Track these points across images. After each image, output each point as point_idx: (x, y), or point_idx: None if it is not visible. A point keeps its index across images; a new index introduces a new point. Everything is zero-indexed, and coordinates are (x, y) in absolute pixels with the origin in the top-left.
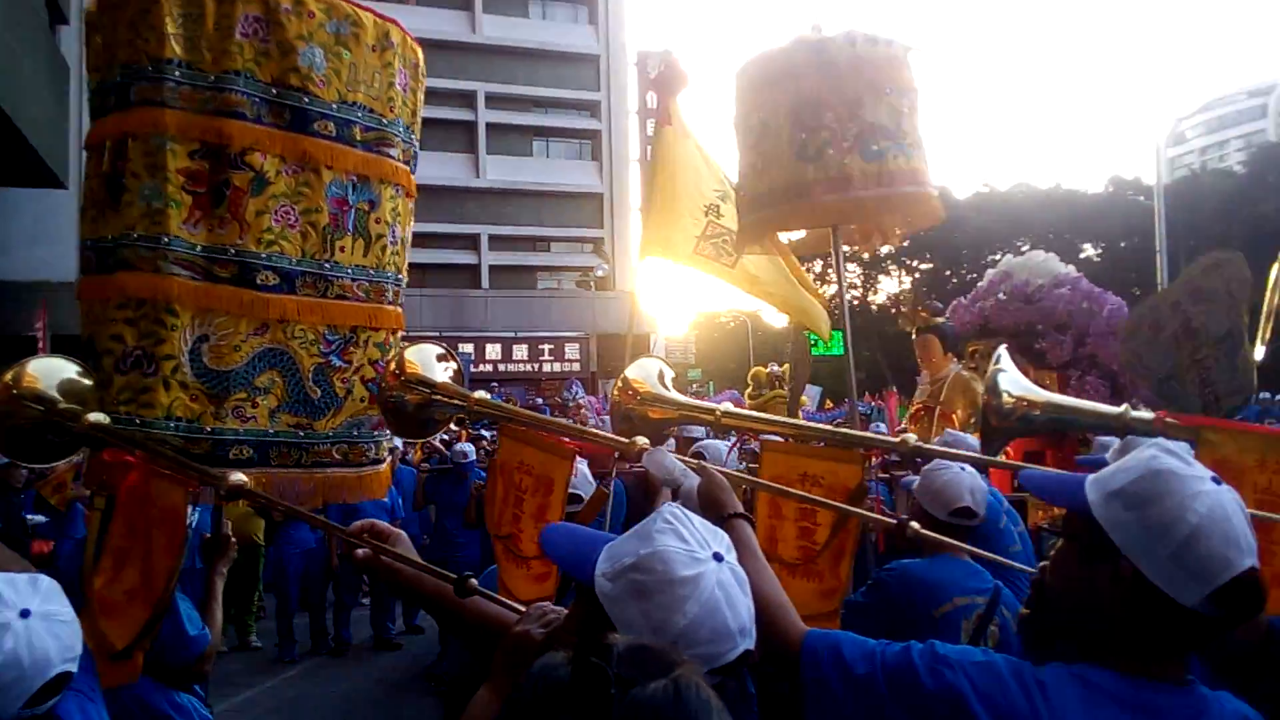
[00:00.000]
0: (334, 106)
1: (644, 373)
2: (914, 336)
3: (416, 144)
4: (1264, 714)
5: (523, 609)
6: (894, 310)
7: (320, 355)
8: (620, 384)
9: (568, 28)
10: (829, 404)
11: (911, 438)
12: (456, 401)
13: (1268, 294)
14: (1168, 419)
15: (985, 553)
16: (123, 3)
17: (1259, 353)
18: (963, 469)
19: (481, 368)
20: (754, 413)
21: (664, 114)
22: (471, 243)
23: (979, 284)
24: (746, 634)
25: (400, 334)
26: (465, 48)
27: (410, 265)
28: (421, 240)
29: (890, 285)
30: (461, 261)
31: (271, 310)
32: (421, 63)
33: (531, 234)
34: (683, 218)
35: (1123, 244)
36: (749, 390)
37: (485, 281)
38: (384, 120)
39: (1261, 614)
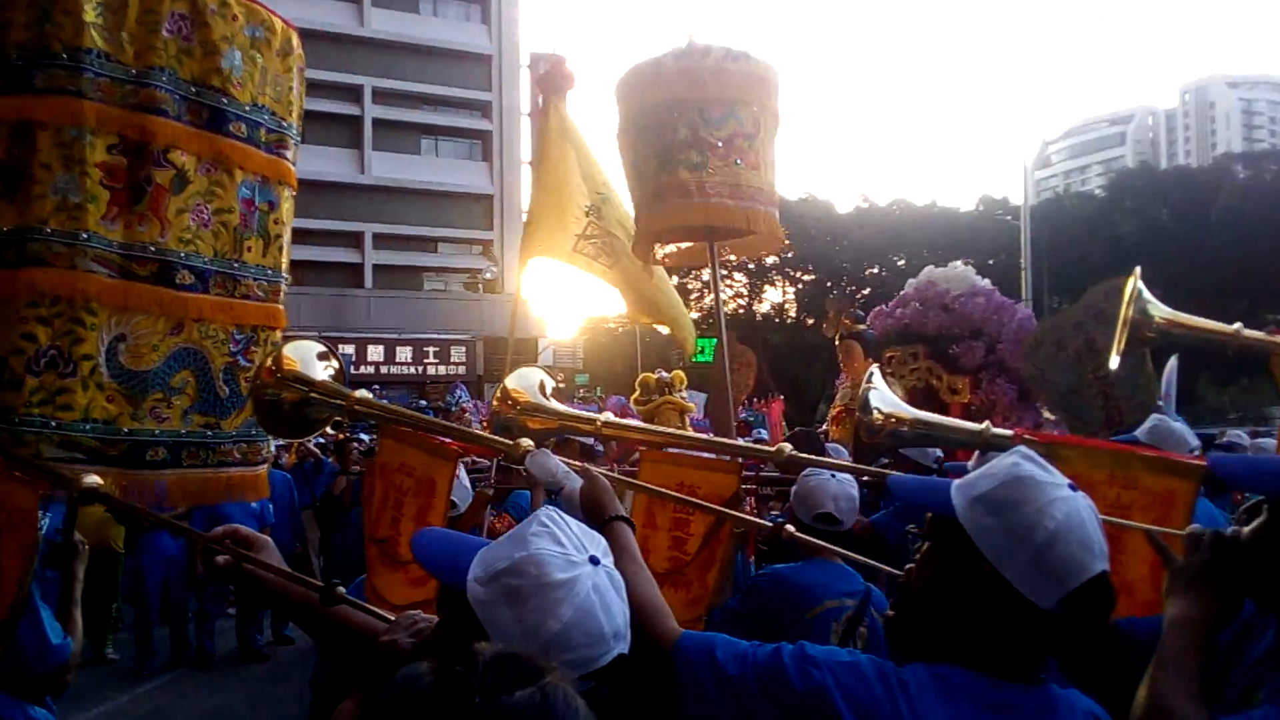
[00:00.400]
0: (246, 108)
1: (524, 382)
2: (837, 343)
3: (299, 139)
4: (1109, 711)
5: (391, 617)
6: (777, 319)
7: (229, 355)
8: (499, 394)
9: (460, 25)
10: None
11: (787, 447)
12: (336, 401)
13: (1123, 307)
14: (1025, 435)
15: (857, 555)
16: None
17: (1114, 362)
18: (832, 476)
19: (363, 370)
20: (634, 422)
21: (547, 113)
22: (355, 240)
23: (903, 291)
24: (621, 638)
25: (280, 332)
26: (352, 41)
27: (292, 262)
28: (301, 236)
29: (774, 295)
30: (344, 260)
31: (190, 309)
32: (303, 60)
33: (418, 234)
34: (564, 216)
35: (991, 261)
36: (636, 396)
37: (369, 281)
38: (284, 123)
39: (1110, 617)
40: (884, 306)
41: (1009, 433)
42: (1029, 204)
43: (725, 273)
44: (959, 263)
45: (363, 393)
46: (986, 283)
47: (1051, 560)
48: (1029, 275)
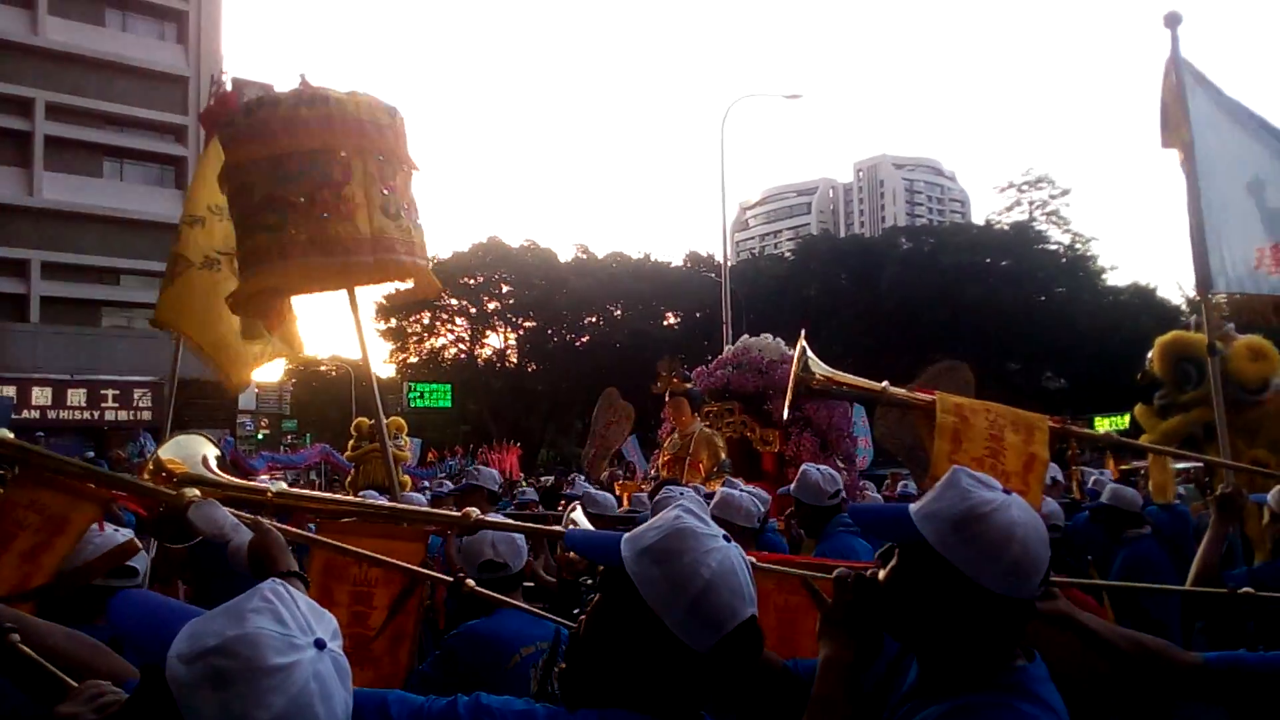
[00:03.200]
0: None
1: (182, 452)
2: (666, 399)
3: None
4: None
5: (75, 683)
6: (499, 364)
7: None
8: (151, 464)
9: (151, 43)
10: (432, 455)
11: (474, 512)
12: None
13: (794, 366)
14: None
15: (526, 606)
16: None
17: (785, 412)
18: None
19: (27, 414)
20: (310, 493)
21: (208, 150)
22: (19, 269)
23: (721, 354)
24: None
25: None
26: (23, 50)
27: None
28: None
29: (496, 341)
30: (4, 290)
31: None
32: None
33: (97, 264)
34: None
35: (698, 314)
36: (351, 443)
37: (35, 314)
38: None
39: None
40: (705, 367)
41: (903, 390)
42: (729, 263)
43: (447, 317)
44: (768, 336)
45: (279, 486)
46: (791, 351)
47: (706, 607)
48: (729, 329)
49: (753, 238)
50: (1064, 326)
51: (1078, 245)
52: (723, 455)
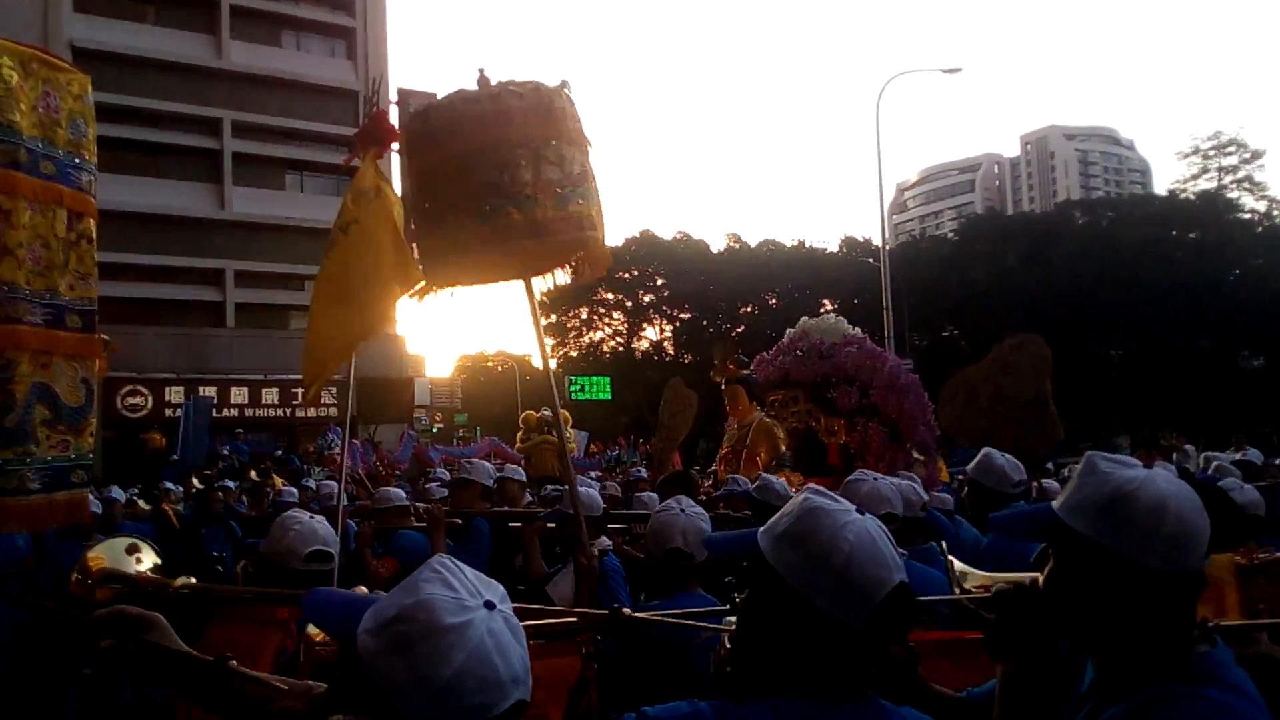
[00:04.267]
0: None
1: (110, 551)
2: (723, 387)
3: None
4: None
5: (284, 687)
6: (656, 357)
7: None
8: (78, 566)
9: (324, 60)
10: (595, 447)
11: (626, 611)
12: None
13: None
14: None
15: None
16: None
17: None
18: (681, 511)
19: (226, 413)
20: (219, 586)
21: (364, 169)
22: (216, 278)
23: (780, 341)
24: (519, 684)
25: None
26: (210, 73)
27: (144, 301)
28: (158, 275)
29: (653, 333)
30: (204, 298)
31: None
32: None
33: (284, 271)
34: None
35: (855, 300)
36: (520, 435)
37: (230, 320)
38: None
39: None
40: (766, 354)
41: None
42: (888, 247)
43: (604, 311)
44: (831, 315)
45: (183, 579)
46: (857, 331)
47: (852, 580)
48: (890, 314)
49: (911, 219)
50: (1261, 301)
51: (1276, 213)
52: (783, 447)
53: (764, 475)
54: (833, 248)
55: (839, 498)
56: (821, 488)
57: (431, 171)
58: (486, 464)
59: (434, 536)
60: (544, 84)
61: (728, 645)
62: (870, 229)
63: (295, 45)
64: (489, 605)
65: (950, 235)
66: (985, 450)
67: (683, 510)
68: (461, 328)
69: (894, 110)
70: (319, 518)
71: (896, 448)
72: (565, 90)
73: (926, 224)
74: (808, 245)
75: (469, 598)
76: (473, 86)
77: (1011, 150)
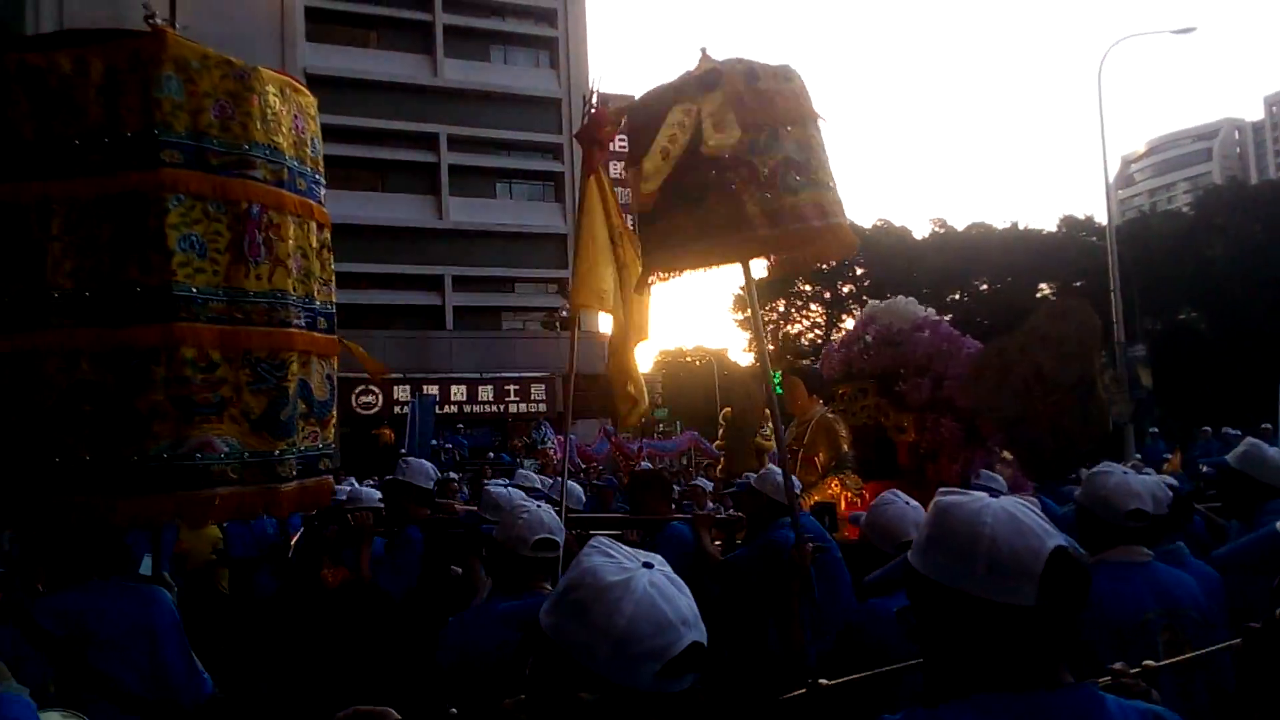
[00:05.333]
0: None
1: None
2: (781, 378)
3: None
4: None
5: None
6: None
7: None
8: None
9: (528, 71)
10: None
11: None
12: None
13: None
14: None
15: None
16: None
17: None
18: (907, 503)
19: (447, 409)
20: None
21: (590, 164)
22: (435, 284)
23: (849, 328)
24: (691, 625)
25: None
26: (427, 91)
27: (374, 307)
28: (384, 281)
29: (851, 324)
30: (425, 303)
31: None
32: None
33: (496, 275)
34: (605, 266)
35: (1077, 283)
36: (721, 431)
37: (449, 322)
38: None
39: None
40: (833, 344)
41: None
42: (1114, 224)
43: (801, 304)
44: (902, 297)
45: None
46: (930, 313)
47: (1002, 559)
48: (1118, 297)
49: (1139, 193)
50: None
51: None
52: (845, 446)
53: (771, 469)
54: (1050, 227)
55: (968, 492)
56: (951, 489)
57: (664, 152)
58: (426, 464)
59: (361, 548)
60: (769, 64)
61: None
62: (1092, 206)
63: (503, 59)
64: (647, 565)
65: (1184, 209)
66: (1249, 440)
67: (906, 502)
68: (661, 323)
69: (1117, 78)
70: (546, 506)
71: (975, 446)
72: (792, 71)
73: (1156, 198)
74: (1021, 226)
75: (627, 561)
76: (702, 59)
77: (1254, 113)
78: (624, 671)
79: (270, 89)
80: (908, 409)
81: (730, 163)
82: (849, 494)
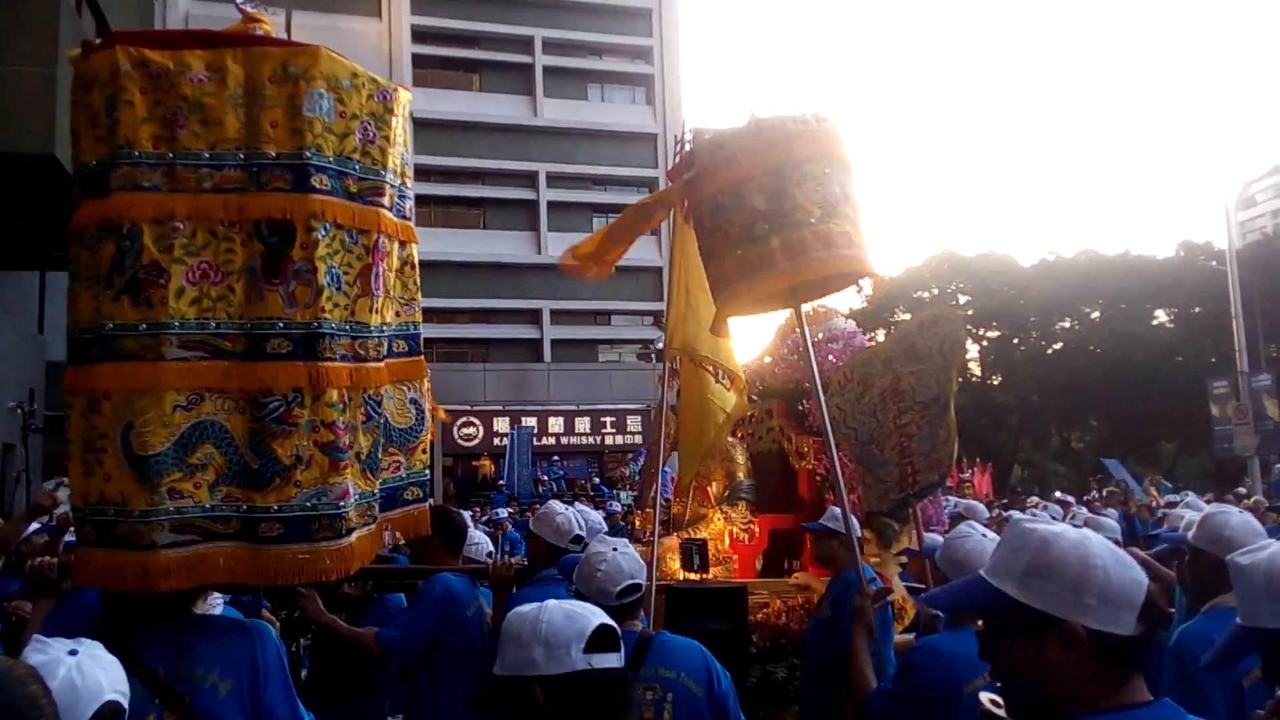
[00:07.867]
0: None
1: None
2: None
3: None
4: None
5: None
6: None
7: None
8: None
9: (625, 108)
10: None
11: None
12: None
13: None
14: None
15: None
16: None
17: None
18: (983, 535)
19: (544, 441)
20: None
21: (682, 207)
22: (534, 317)
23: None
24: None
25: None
26: (528, 130)
27: (475, 340)
28: (486, 316)
29: None
30: (524, 336)
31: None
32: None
33: (592, 308)
34: (700, 309)
35: (1196, 309)
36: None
37: (547, 355)
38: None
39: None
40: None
41: None
42: (1234, 247)
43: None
44: (823, 307)
45: None
46: (851, 325)
47: (1115, 592)
48: (1240, 324)
49: (1261, 215)
50: None
51: None
52: (740, 475)
53: (552, 505)
54: (1165, 253)
55: (1051, 520)
56: (1018, 515)
57: (705, 202)
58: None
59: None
60: (803, 113)
61: (991, 704)
62: (1210, 231)
63: (600, 97)
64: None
65: None
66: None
67: (983, 534)
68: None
69: (1231, 91)
70: (625, 550)
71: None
72: (825, 116)
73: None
74: (1133, 253)
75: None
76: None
77: None
78: None
79: (406, 110)
80: (809, 432)
81: (761, 203)
82: (734, 529)
